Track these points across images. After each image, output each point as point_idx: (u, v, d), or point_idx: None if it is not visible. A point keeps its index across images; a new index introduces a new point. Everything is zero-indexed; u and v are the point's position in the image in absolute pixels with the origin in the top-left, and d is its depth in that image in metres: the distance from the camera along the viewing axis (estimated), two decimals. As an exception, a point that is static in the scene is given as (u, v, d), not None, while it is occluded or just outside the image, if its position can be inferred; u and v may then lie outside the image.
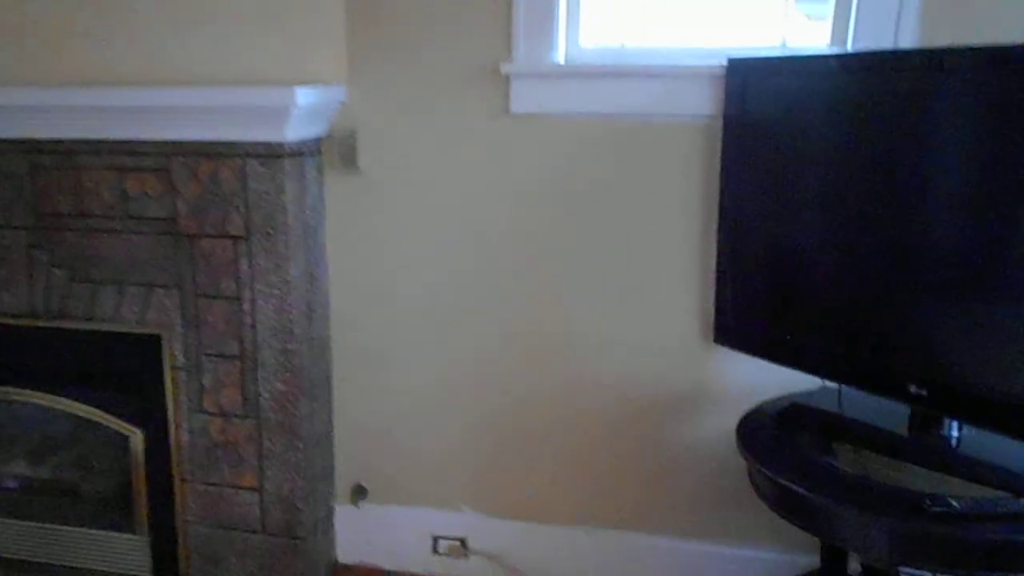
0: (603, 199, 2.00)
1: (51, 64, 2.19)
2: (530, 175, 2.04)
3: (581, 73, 1.95)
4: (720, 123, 1.85)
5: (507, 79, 1.97)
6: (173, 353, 2.14)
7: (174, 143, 2.03)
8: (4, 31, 2.22)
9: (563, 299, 2.08)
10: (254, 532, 2.18)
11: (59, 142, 2.10)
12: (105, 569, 2.28)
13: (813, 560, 1.97)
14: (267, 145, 1.98)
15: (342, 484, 2.31)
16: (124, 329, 2.16)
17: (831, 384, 1.78)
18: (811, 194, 1.70)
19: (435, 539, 2.25)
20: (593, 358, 2.09)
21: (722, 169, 1.86)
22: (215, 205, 2.04)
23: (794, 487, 1.46)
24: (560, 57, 1.97)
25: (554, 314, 2.09)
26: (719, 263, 1.90)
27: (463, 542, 2.24)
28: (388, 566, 2.31)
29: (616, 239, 2.02)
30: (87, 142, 2.08)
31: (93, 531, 2.29)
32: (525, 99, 1.97)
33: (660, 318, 2.03)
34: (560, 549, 2.18)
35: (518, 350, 2.13)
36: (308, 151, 2.08)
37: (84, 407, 2.23)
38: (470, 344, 2.16)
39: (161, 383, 2.16)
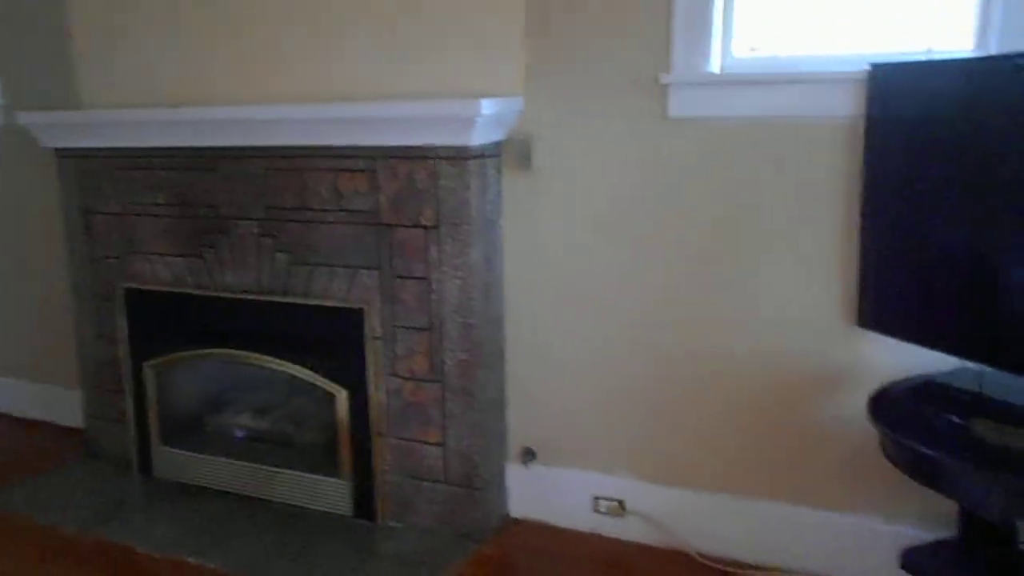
0: (753, 192, 2.24)
1: (280, 84, 2.70)
2: (684, 171, 2.31)
3: (734, 81, 2.20)
4: (862, 122, 2.05)
5: (665, 87, 2.25)
6: (373, 325, 2.57)
7: (379, 148, 2.45)
8: (242, 58, 2.75)
9: (715, 282, 2.33)
10: (438, 482, 2.58)
11: (288, 148, 2.59)
12: (314, 507, 2.75)
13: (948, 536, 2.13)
14: (456, 148, 2.36)
15: (513, 446, 2.67)
16: (333, 304, 2.61)
17: (971, 365, 1.94)
18: (950, 185, 1.86)
19: (595, 499, 2.56)
20: (742, 337, 2.33)
21: (864, 163, 2.05)
22: (411, 200, 2.45)
23: (917, 446, 1.65)
24: (714, 67, 2.23)
25: (707, 297, 2.35)
26: (862, 251, 2.10)
27: (621, 503, 2.53)
28: (553, 521, 2.64)
29: (765, 228, 2.25)
30: (309, 148, 2.55)
31: (305, 475, 2.77)
32: (681, 105, 2.25)
33: (806, 301, 2.24)
34: (708, 514, 2.44)
35: (672, 329, 2.41)
36: (489, 153, 2.45)
37: (299, 369, 2.71)
38: (628, 322, 2.46)
39: (362, 350, 2.59)
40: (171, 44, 2.87)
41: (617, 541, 2.54)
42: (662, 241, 2.37)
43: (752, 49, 2.26)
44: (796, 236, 2.22)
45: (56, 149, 2.99)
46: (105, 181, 2.93)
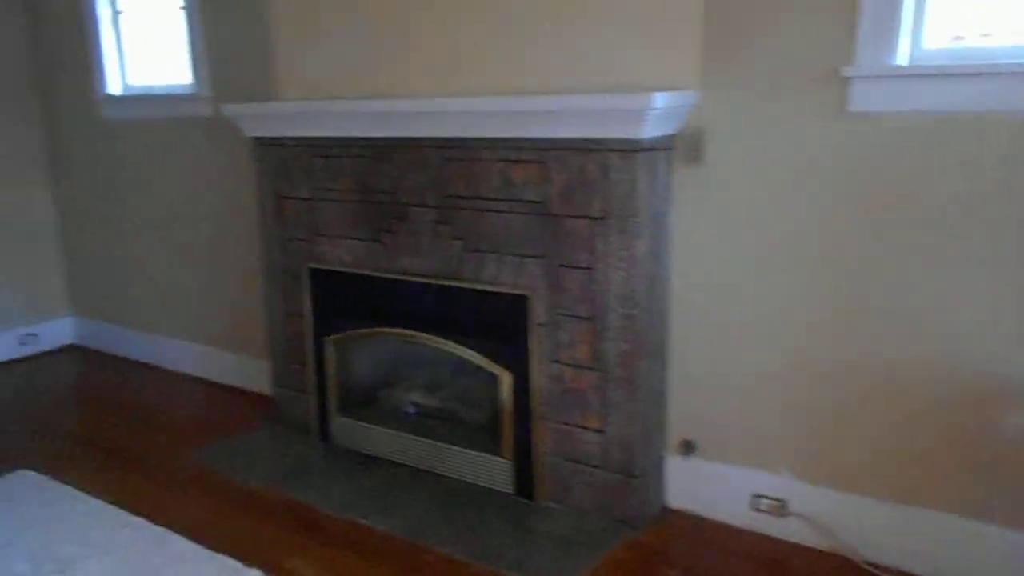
0: (939, 192, 2.16)
1: (456, 79, 2.84)
2: (865, 169, 2.25)
3: (924, 74, 2.12)
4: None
5: (847, 80, 2.20)
6: (537, 312, 2.68)
7: (551, 140, 2.54)
8: (422, 54, 2.92)
9: (895, 285, 2.26)
10: (596, 467, 2.66)
11: (463, 140, 2.73)
12: (478, 483, 2.91)
13: None
14: (626, 142, 2.41)
15: (672, 437, 2.71)
16: (501, 290, 2.74)
17: None
18: None
19: (755, 497, 2.57)
20: (924, 343, 2.25)
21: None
22: (580, 191, 2.53)
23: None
24: (902, 59, 2.16)
25: (885, 300, 2.29)
26: (1061, 257, 1.97)
27: (783, 503, 2.52)
28: (710, 515, 2.67)
29: (950, 230, 2.16)
30: (484, 140, 2.68)
31: (469, 451, 2.93)
32: (864, 99, 2.19)
33: (994, 309, 2.13)
34: (879, 522, 2.38)
35: (848, 332, 2.36)
36: (660, 147, 2.48)
37: (467, 351, 2.87)
38: (799, 322, 2.43)
39: (526, 336, 2.71)
40: (357, 43, 3.08)
41: (776, 540, 2.54)
42: (838, 241, 2.33)
43: (957, 38, 2.17)
44: (985, 240, 2.12)
45: (255, 138, 3.30)
46: (296, 168, 3.20)
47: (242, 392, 3.94)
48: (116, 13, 4.15)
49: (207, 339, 4.12)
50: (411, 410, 3.24)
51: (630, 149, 2.42)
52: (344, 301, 3.19)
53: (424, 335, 2.97)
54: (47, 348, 4.69)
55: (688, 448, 2.67)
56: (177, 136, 3.96)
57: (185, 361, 4.23)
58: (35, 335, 4.62)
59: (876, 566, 2.36)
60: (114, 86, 4.21)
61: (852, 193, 2.28)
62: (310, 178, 3.17)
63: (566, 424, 2.70)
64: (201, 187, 3.93)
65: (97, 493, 2.95)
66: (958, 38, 2.17)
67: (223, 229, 3.89)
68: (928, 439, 2.29)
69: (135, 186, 4.25)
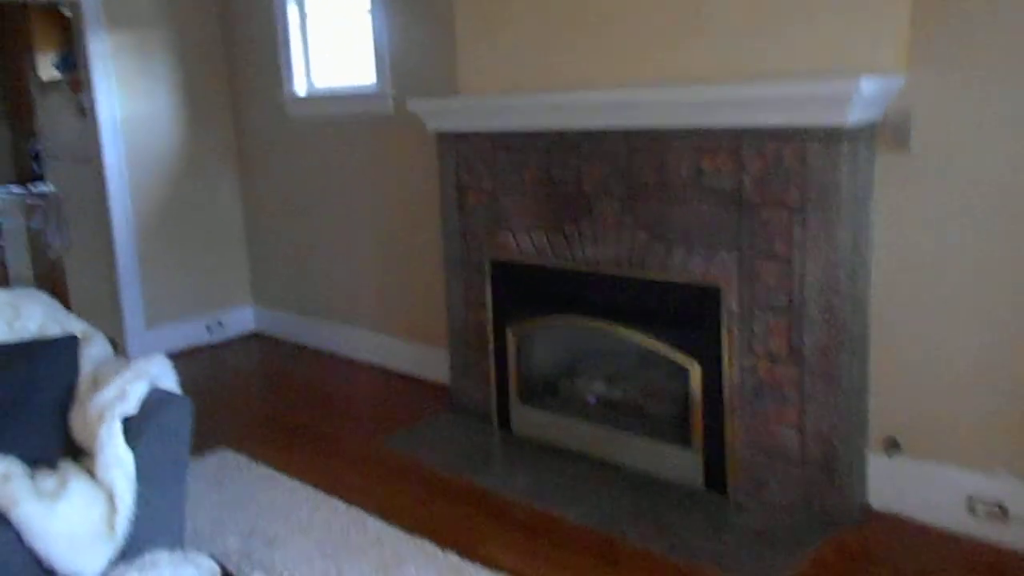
0: None
1: (645, 67, 2.89)
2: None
3: None
4: None
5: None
6: (729, 303, 2.70)
7: (745, 128, 2.56)
8: (607, 44, 2.97)
9: None
10: (793, 462, 2.66)
11: (650, 130, 2.78)
12: (663, 475, 2.96)
13: None
14: (827, 129, 2.39)
15: (875, 434, 2.67)
16: (690, 280, 2.78)
17: None
18: None
19: (970, 499, 2.48)
20: None
21: None
22: (776, 180, 2.53)
23: None
24: None
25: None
26: None
27: (1002, 507, 2.43)
28: (919, 518, 2.60)
29: None
30: (672, 129, 2.73)
31: (655, 443, 2.99)
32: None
33: None
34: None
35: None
36: (862, 134, 2.45)
37: (653, 341, 2.92)
38: (1013, 309, 2.35)
39: (718, 327, 2.74)
40: (538, 35, 3.18)
41: (996, 548, 2.45)
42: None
43: None
44: None
45: (438, 133, 3.47)
46: (478, 161, 3.35)
47: (420, 381, 4.14)
48: (303, 17, 4.45)
49: (387, 328, 4.35)
50: (593, 400, 3.32)
51: (831, 137, 2.40)
52: (525, 292, 3.31)
53: (609, 325, 3.04)
54: (232, 335, 5.10)
55: (893, 446, 2.62)
56: (360, 133, 4.21)
57: (364, 350, 4.48)
58: (221, 323, 5.03)
59: (1111, 578, 2.25)
60: (300, 87, 4.52)
61: (1086, 177, 2.18)
62: (492, 170, 3.30)
63: (760, 417, 2.71)
64: (383, 182, 4.16)
65: (293, 474, 3.19)
66: None
67: (405, 222, 4.11)
68: None
69: (318, 182, 4.55)
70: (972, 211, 2.38)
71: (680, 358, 2.86)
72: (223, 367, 4.65)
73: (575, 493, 2.92)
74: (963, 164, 2.37)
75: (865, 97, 2.33)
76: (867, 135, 2.48)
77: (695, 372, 2.82)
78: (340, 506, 2.93)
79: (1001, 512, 2.44)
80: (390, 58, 3.94)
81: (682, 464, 2.91)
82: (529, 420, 3.37)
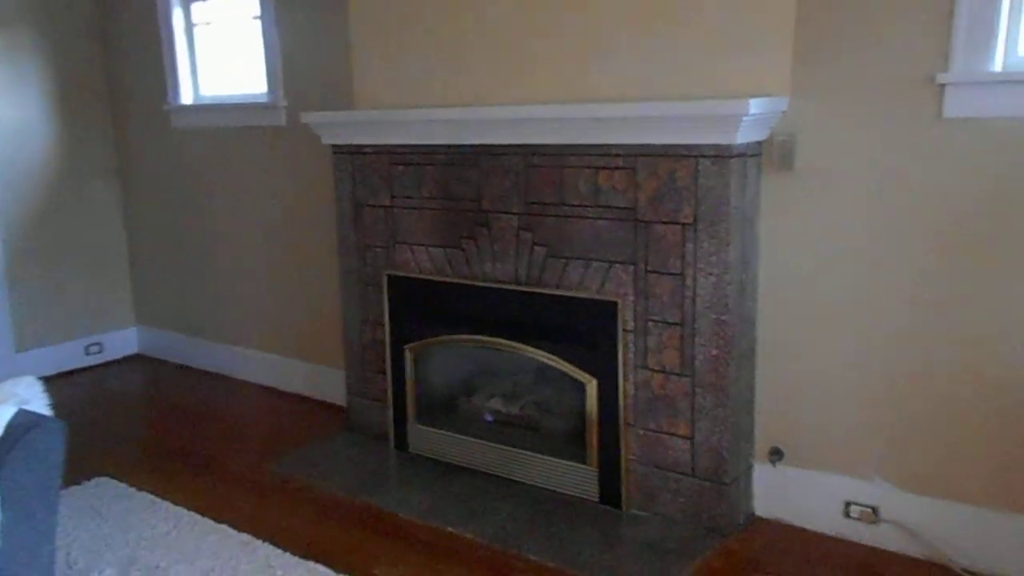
0: (1036, 196, 2.33)
1: (544, 86, 3.07)
2: (959, 175, 2.43)
3: (1019, 80, 2.29)
4: None
5: (942, 87, 2.39)
6: (625, 318, 2.88)
7: (641, 146, 2.76)
8: (507, 61, 3.15)
9: (987, 286, 2.43)
10: (685, 474, 2.85)
11: (549, 146, 2.96)
12: (561, 491, 3.11)
13: None
14: (718, 147, 2.62)
15: (761, 445, 2.90)
16: (587, 296, 2.95)
17: None
18: None
19: (847, 504, 2.74)
20: (1015, 345, 2.41)
21: None
22: (670, 197, 2.74)
23: None
24: (997, 65, 2.34)
25: (978, 306, 2.46)
26: None
27: (875, 510, 2.69)
28: (800, 523, 2.85)
29: (1049, 234, 2.33)
30: (571, 146, 2.91)
31: (552, 459, 3.14)
32: (960, 105, 2.38)
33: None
34: (975, 528, 2.54)
35: (936, 332, 2.53)
36: (750, 152, 2.69)
37: (551, 357, 3.08)
38: (888, 326, 2.61)
39: (614, 342, 2.91)
40: (437, 50, 3.33)
41: (869, 548, 2.71)
42: (931, 247, 2.51)
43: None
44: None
45: (334, 146, 3.57)
46: (375, 175, 3.46)
47: (315, 402, 4.20)
48: (189, 22, 4.48)
49: (280, 348, 4.39)
50: (490, 418, 3.45)
51: (722, 155, 2.62)
52: (423, 309, 3.42)
53: (506, 342, 3.19)
54: (113, 358, 5.02)
55: (777, 455, 2.85)
56: (250, 145, 4.27)
57: (255, 371, 4.51)
58: (100, 344, 4.95)
59: (974, 573, 2.52)
60: (186, 96, 4.54)
61: (946, 199, 2.46)
62: (390, 185, 3.42)
63: (654, 431, 2.90)
64: (275, 196, 4.22)
65: (177, 501, 3.19)
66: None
67: (298, 238, 4.17)
68: (1020, 440, 2.45)
69: (205, 196, 4.57)
70: (845, 228, 2.64)
71: (577, 373, 3.03)
72: (103, 391, 4.59)
73: (472, 510, 3.04)
74: (838, 184, 2.63)
75: (753, 118, 2.56)
76: (755, 155, 2.72)
77: (591, 387, 2.99)
78: (229, 532, 2.95)
79: (873, 514, 2.69)
80: (283, 68, 4.02)
81: (578, 479, 3.07)
82: (426, 439, 3.48)
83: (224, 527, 2.98)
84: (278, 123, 4.08)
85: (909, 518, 2.64)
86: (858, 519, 2.72)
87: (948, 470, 2.58)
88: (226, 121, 4.37)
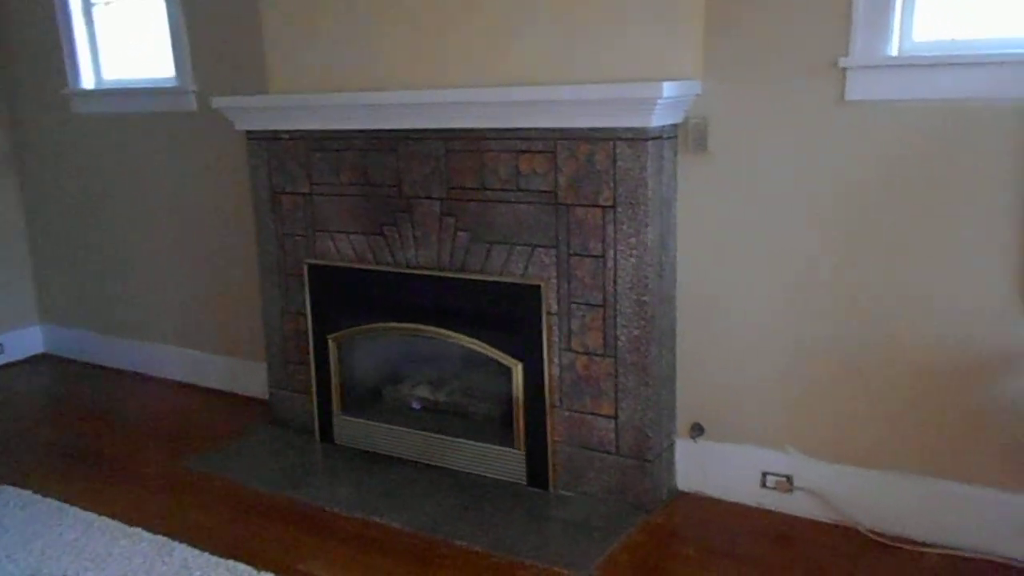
0: (931, 177, 2.55)
1: (462, 68, 3.18)
2: (861, 156, 2.64)
3: (914, 64, 2.52)
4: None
5: (843, 71, 2.59)
6: (549, 301, 3.03)
7: (559, 130, 2.90)
8: (423, 44, 3.24)
9: (889, 266, 2.66)
10: (609, 453, 3.02)
11: (469, 131, 3.08)
12: (489, 475, 3.26)
13: None
14: (635, 130, 2.77)
15: (682, 421, 3.09)
16: (510, 280, 3.09)
17: None
18: None
19: (764, 475, 2.95)
20: (915, 319, 2.65)
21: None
22: (589, 180, 2.89)
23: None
24: (894, 50, 2.55)
25: (879, 280, 2.68)
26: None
27: (789, 479, 2.91)
28: (720, 495, 3.06)
29: (940, 212, 2.56)
30: (491, 130, 3.04)
31: (480, 444, 3.28)
32: (859, 89, 2.59)
33: (980, 288, 2.54)
34: (879, 491, 2.77)
35: (844, 311, 2.75)
36: (666, 135, 2.85)
37: (476, 343, 3.22)
38: (799, 303, 2.82)
39: (538, 325, 3.06)
40: (354, 32, 3.40)
41: (785, 516, 2.93)
42: (835, 224, 2.72)
43: (932, 34, 2.56)
44: (974, 221, 2.52)
45: (248, 132, 3.62)
46: (292, 162, 3.53)
47: (234, 397, 4.26)
48: (88, 3, 4.44)
49: (195, 343, 4.43)
50: (417, 406, 3.58)
51: (639, 138, 2.78)
52: (346, 297, 3.52)
53: (431, 328, 3.31)
54: (15, 359, 4.98)
55: (697, 431, 3.05)
56: (158, 132, 4.27)
57: (170, 367, 4.54)
58: (1, 344, 4.89)
59: (880, 534, 2.75)
60: (87, 80, 4.51)
61: (851, 178, 2.67)
62: (308, 172, 3.50)
63: (579, 412, 3.06)
64: (187, 184, 4.24)
65: (87, 506, 3.19)
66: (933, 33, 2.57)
67: (213, 228, 4.21)
68: (920, 408, 2.70)
69: (111, 185, 4.55)
70: (756, 209, 2.84)
71: (503, 358, 3.17)
72: (5, 393, 4.55)
73: (400, 500, 3.16)
74: (750, 165, 2.82)
75: (668, 101, 2.72)
76: (671, 138, 2.88)
77: (517, 371, 3.14)
78: (143, 536, 2.97)
79: (788, 483, 2.92)
80: (191, 50, 4.03)
81: (506, 463, 3.22)
82: (352, 430, 3.58)
83: (138, 530, 3.00)
84: (188, 108, 4.10)
85: (820, 485, 2.86)
86: (774, 488, 2.94)
87: (851, 437, 2.81)
88: (132, 107, 4.36)
